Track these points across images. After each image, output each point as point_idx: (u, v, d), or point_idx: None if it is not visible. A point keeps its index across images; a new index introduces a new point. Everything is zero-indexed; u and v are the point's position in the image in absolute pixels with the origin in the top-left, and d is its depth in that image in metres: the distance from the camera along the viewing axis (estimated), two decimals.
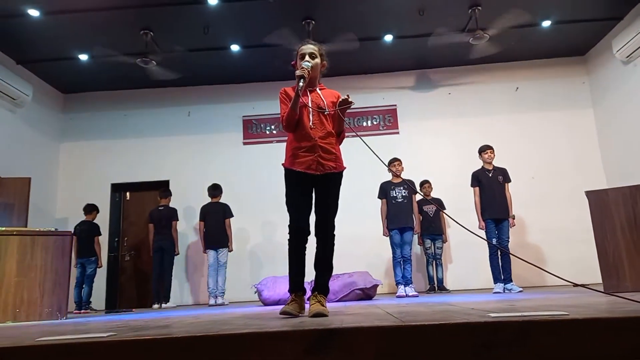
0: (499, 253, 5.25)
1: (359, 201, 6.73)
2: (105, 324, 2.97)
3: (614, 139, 6.88)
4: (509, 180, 5.47)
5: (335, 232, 2.78)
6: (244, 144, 7.72)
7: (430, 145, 7.43)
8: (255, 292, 5.12)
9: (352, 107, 2.74)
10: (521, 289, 5.12)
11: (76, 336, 1.77)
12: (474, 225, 5.47)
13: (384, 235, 5.60)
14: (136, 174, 7.63)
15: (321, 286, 2.69)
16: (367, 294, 4.99)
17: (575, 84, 7.50)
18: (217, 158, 7.63)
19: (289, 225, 2.70)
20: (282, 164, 2.78)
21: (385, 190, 5.68)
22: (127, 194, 7.84)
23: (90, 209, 6.68)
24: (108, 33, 6.15)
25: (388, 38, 6.65)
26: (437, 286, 6.46)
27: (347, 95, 2.70)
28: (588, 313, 1.75)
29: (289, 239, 2.70)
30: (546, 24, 6.48)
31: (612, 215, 3.61)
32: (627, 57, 6.30)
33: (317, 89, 2.87)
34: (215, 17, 5.96)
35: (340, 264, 6.08)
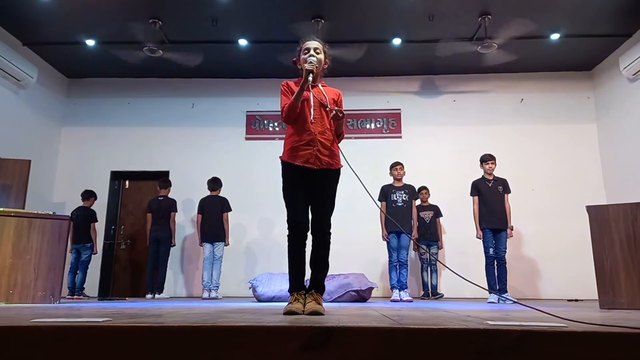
0: (495, 263, 5.25)
1: (358, 203, 6.70)
2: (99, 310, 2.96)
3: (616, 156, 6.89)
4: (509, 191, 5.46)
5: (331, 230, 2.76)
6: (247, 139, 7.71)
7: (432, 151, 7.43)
8: (250, 288, 5.11)
9: (343, 118, 2.72)
10: (516, 300, 5.12)
11: (71, 319, 1.76)
12: (472, 234, 5.48)
13: (383, 238, 5.59)
14: (136, 163, 7.61)
15: (317, 284, 2.68)
16: (361, 296, 4.98)
17: (580, 99, 7.51)
18: (219, 151, 7.62)
19: (287, 221, 2.68)
20: (280, 157, 2.77)
21: (386, 193, 5.68)
22: (127, 182, 7.82)
23: (88, 195, 6.66)
24: (116, 20, 6.13)
25: (396, 41, 6.64)
26: (430, 292, 6.46)
27: (339, 111, 2.68)
28: (586, 326, 1.75)
29: (288, 235, 2.68)
30: (555, 36, 6.48)
31: (612, 231, 3.61)
32: (634, 74, 6.31)
33: (319, 85, 2.88)
34: (225, 10, 5.94)
35: (337, 264, 6.08)
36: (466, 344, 1.45)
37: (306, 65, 2.68)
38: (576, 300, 6.00)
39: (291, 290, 2.62)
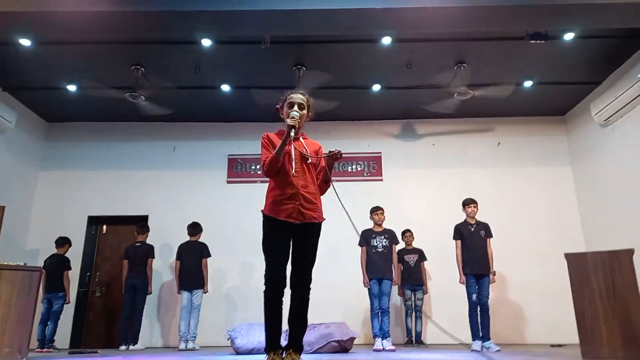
0: (479, 310, 5.20)
1: (337, 249, 6.67)
2: None
3: (592, 199, 7.01)
4: (491, 236, 5.48)
5: (311, 285, 2.73)
6: (228, 182, 7.66)
7: (413, 194, 7.47)
8: (229, 339, 4.95)
9: (339, 160, 2.76)
10: (499, 348, 5.05)
11: None
12: (455, 278, 5.45)
13: (364, 285, 5.52)
14: (115, 208, 7.47)
15: (296, 343, 2.61)
16: (343, 346, 4.86)
17: (555, 143, 7.70)
18: (200, 195, 7.54)
19: (264, 275, 2.63)
20: (262, 211, 2.74)
21: (366, 239, 5.64)
22: (104, 227, 7.64)
23: (63, 242, 6.47)
24: (98, 66, 6.15)
25: (376, 88, 6.79)
26: (414, 339, 6.34)
27: (338, 151, 2.71)
28: None
29: (265, 290, 2.62)
30: (528, 84, 6.70)
31: (591, 280, 3.61)
32: (605, 120, 6.51)
33: (300, 138, 2.90)
34: (207, 57, 6.02)
35: (317, 312, 5.95)
36: None
37: (289, 120, 2.71)
38: (559, 346, 5.95)
39: (267, 349, 2.53)
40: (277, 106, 2.94)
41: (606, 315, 3.51)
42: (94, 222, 7.53)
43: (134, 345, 6.09)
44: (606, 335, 3.49)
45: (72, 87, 6.65)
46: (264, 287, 2.63)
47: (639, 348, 3.37)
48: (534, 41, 5.26)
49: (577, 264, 3.73)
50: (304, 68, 6.25)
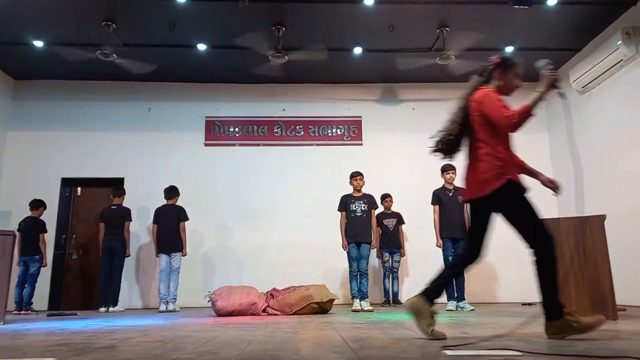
0: None
1: (318, 211, 6.70)
2: (45, 337, 2.80)
3: (566, 165, 7.16)
4: None
5: None
6: (205, 145, 7.54)
7: (393, 159, 7.49)
8: (209, 301, 4.99)
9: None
10: (473, 307, 5.24)
11: None
12: (432, 242, 5.57)
13: (343, 248, 5.59)
14: (89, 169, 7.28)
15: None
16: (323, 307, 4.96)
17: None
18: (176, 158, 7.40)
19: (552, 238, 2.54)
20: (508, 177, 2.58)
21: (345, 203, 5.67)
22: (79, 189, 7.48)
23: (37, 205, 6.31)
24: (67, 21, 5.85)
25: (357, 50, 6.67)
26: (392, 299, 6.52)
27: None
28: (538, 349, 1.80)
29: (556, 252, 2.51)
30: (509, 49, 6.68)
31: (563, 244, 3.73)
32: (583, 87, 6.58)
33: None
34: (183, 14, 5.78)
35: (297, 273, 6.09)
36: None
37: (553, 75, 2.51)
38: (529, 304, 6.21)
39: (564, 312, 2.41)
40: (495, 60, 2.74)
41: (575, 277, 3.66)
42: (68, 184, 7.36)
43: (113, 307, 6.10)
44: (575, 297, 3.65)
45: (38, 43, 6.32)
46: (553, 250, 2.52)
47: (606, 309, 3.53)
48: (517, 6, 5.21)
49: (551, 227, 3.82)
50: (284, 28, 6.08)
